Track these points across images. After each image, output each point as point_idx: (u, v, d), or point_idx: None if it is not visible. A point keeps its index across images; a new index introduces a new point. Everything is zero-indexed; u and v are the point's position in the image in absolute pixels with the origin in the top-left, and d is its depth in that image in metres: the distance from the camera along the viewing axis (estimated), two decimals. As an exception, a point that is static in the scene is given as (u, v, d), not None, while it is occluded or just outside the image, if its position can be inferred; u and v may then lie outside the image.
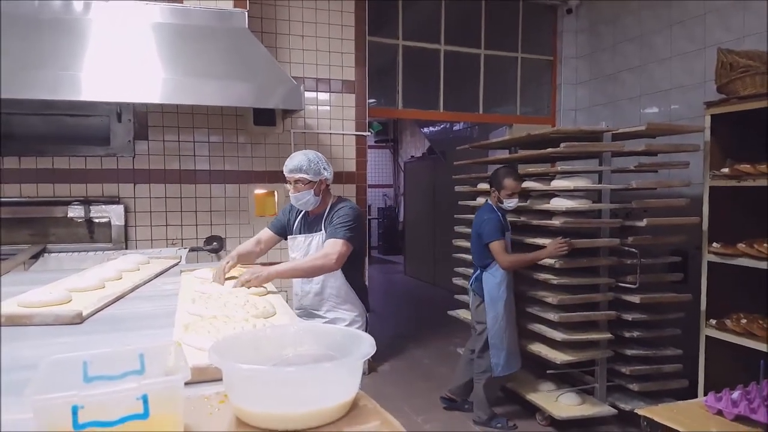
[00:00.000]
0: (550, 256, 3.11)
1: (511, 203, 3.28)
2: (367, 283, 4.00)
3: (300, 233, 2.57)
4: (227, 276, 2.21)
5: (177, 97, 3.15)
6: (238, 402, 0.88)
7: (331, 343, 1.02)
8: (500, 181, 3.26)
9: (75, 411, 0.75)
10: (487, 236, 3.20)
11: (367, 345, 0.93)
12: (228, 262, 2.28)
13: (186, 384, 1.06)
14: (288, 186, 2.48)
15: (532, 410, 3.42)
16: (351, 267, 2.46)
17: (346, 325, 2.48)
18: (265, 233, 2.68)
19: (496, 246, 3.17)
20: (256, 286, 2.03)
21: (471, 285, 3.43)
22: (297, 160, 2.43)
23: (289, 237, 2.62)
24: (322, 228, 2.48)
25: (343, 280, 2.49)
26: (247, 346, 1.02)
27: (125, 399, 0.77)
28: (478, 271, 3.34)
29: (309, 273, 2.37)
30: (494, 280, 3.24)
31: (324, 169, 2.46)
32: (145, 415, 0.77)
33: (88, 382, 0.92)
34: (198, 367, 1.08)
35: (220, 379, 1.03)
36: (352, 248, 2.37)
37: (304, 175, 2.40)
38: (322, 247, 2.43)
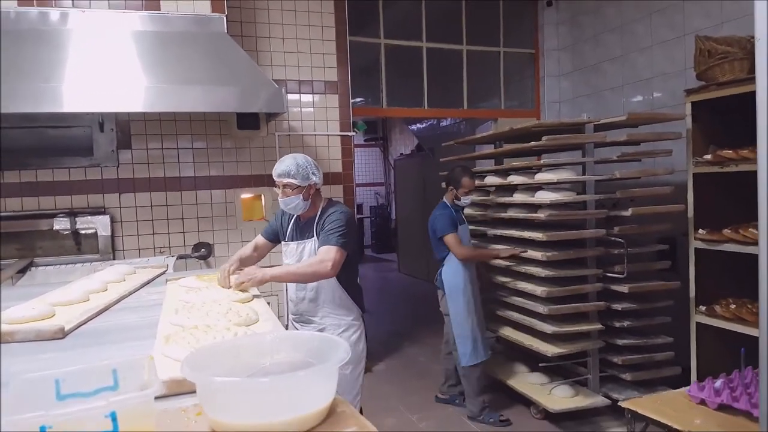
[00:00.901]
0: (503, 257, 3.38)
1: (467, 200, 3.49)
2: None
3: (293, 239, 2.55)
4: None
5: (159, 104, 3.12)
6: (213, 414, 0.88)
7: (309, 350, 1.02)
8: (457, 180, 3.46)
9: (43, 431, 0.75)
10: (441, 230, 3.41)
11: (342, 351, 0.93)
12: (231, 266, 2.27)
13: (164, 396, 1.07)
14: (276, 190, 2.46)
15: (525, 403, 3.43)
16: (344, 271, 2.44)
17: (343, 330, 2.49)
18: (260, 240, 2.67)
19: (450, 239, 3.36)
20: (251, 287, 2.05)
21: (435, 280, 3.60)
22: (285, 165, 2.40)
23: (282, 243, 2.60)
24: (314, 234, 2.46)
25: (336, 285, 2.47)
26: (224, 356, 1.01)
27: (94, 417, 0.76)
28: (441, 266, 3.52)
29: (305, 279, 2.36)
30: (451, 271, 3.42)
31: (313, 173, 2.43)
32: (114, 432, 0.77)
33: (60, 400, 0.91)
34: (175, 380, 1.08)
35: (197, 391, 1.03)
36: (347, 253, 2.36)
37: (292, 180, 2.38)
38: (314, 253, 2.41)
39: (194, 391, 1.08)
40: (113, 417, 0.76)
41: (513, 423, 3.30)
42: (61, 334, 1.61)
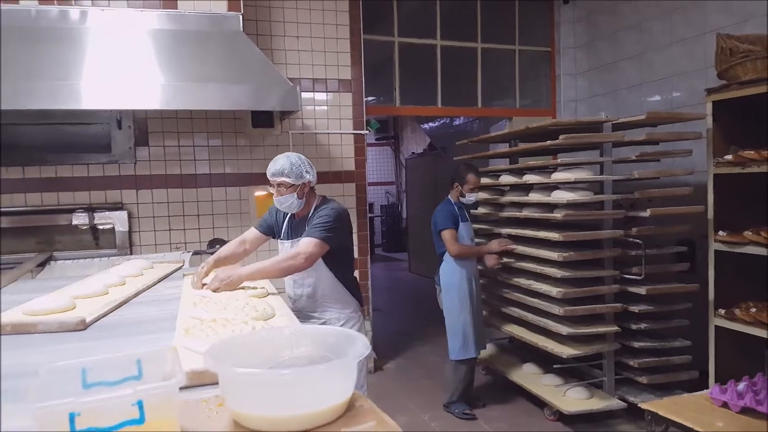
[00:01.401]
0: (493, 252, 3.51)
1: (472, 197, 3.53)
2: (369, 279, 4.02)
3: (287, 237, 2.57)
4: (203, 281, 2.20)
5: (176, 102, 3.15)
6: (234, 405, 0.88)
7: (327, 345, 1.02)
8: (462, 176, 3.49)
9: (72, 418, 0.76)
10: (440, 224, 3.47)
11: (361, 345, 0.93)
12: (203, 267, 2.28)
13: (185, 388, 1.08)
14: (271, 189, 2.47)
15: (539, 405, 3.41)
16: (339, 264, 2.47)
17: (343, 323, 2.52)
18: (251, 233, 2.65)
19: (446, 234, 3.42)
20: (226, 290, 2.03)
21: (435, 276, 3.67)
22: (279, 164, 2.41)
23: (279, 241, 2.61)
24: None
25: (333, 279, 2.49)
26: (243, 349, 1.02)
27: (121, 405, 0.78)
28: (440, 262, 3.59)
29: (277, 273, 2.33)
30: (448, 268, 3.48)
31: (306, 172, 2.44)
32: (140, 420, 0.78)
33: (86, 388, 0.93)
34: (196, 371, 1.09)
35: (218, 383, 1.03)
36: (329, 247, 2.36)
37: (286, 179, 2.39)
38: None
39: (214, 383, 1.09)
40: (140, 405, 0.77)
41: (527, 425, 3.28)
42: (83, 326, 1.63)
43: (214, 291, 2.04)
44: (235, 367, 0.87)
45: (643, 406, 1.66)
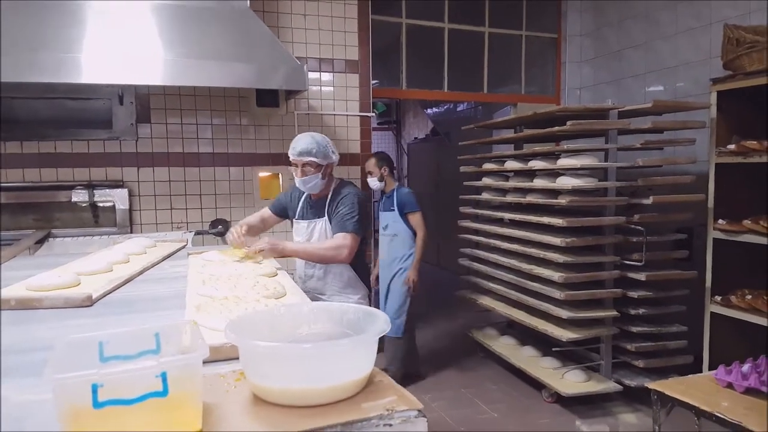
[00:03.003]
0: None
1: (372, 182, 3.81)
2: (371, 263, 4.04)
3: (304, 217, 2.56)
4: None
5: (179, 78, 3.11)
6: (255, 379, 0.89)
7: (345, 321, 1.03)
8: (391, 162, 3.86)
9: (95, 389, 0.76)
10: (412, 206, 3.76)
11: (382, 321, 0.94)
12: (242, 226, 2.33)
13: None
14: (293, 169, 2.44)
15: (537, 387, 3.45)
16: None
17: None
18: (267, 212, 2.69)
19: (419, 216, 3.79)
20: (268, 256, 2.13)
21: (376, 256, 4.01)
22: (305, 143, 2.38)
23: (294, 221, 2.61)
24: (326, 214, 2.47)
25: (345, 265, 2.50)
26: (261, 324, 1.02)
27: (144, 377, 0.77)
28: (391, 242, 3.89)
29: (320, 260, 2.41)
30: (407, 250, 3.84)
31: (332, 152, 2.44)
32: (164, 392, 0.78)
33: (104, 361, 0.92)
34: (212, 347, 1.09)
35: (235, 358, 1.04)
36: (360, 238, 2.40)
37: (314, 159, 2.37)
38: (325, 233, 2.44)
39: (230, 359, 1.09)
40: (164, 377, 0.77)
41: (525, 407, 3.32)
42: (89, 302, 1.63)
43: (259, 251, 2.13)
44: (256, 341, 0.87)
45: (650, 386, 1.69)
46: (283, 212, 2.66)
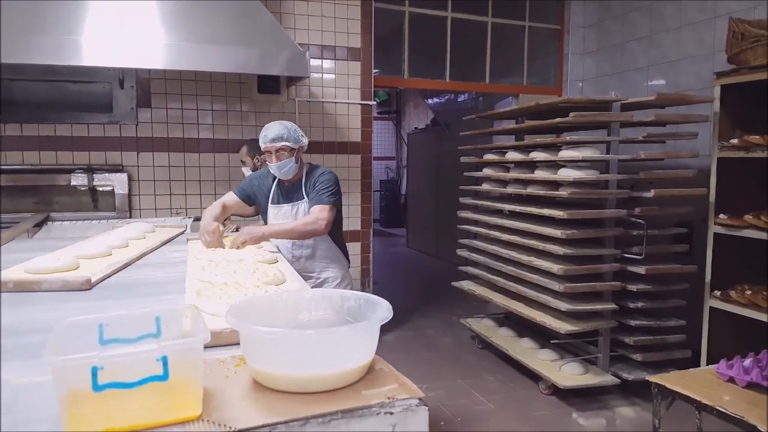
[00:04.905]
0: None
1: (245, 171, 3.52)
2: (371, 253, 4.03)
3: (279, 202, 2.64)
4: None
5: (180, 62, 3.09)
6: (256, 364, 0.88)
7: (346, 308, 1.02)
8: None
9: (95, 372, 0.75)
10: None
11: (384, 309, 0.93)
12: (218, 228, 2.33)
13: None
14: (267, 156, 2.54)
15: (534, 379, 3.46)
16: (334, 226, 2.58)
17: (339, 282, 2.69)
18: (230, 197, 2.72)
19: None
20: (251, 244, 2.19)
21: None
22: (276, 130, 2.49)
23: (271, 206, 2.66)
24: (304, 195, 2.57)
25: (330, 241, 2.65)
26: (262, 310, 1.02)
27: (145, 360, 0.77)
28: None
29: (300, 236, 2.48)
30: None
31: (302, 136, 2.57)
32: (164, 376, 0.77)
33: (103, 344, 0.92)
34: (213, 332, 1.07)
35: (235, 344, 1.03)
36: (336, 210, 2.52)
37: (287, 143, 2.48)
38: (308, 213, 2.52)
39: (230, 344, 1.09)
40: (164, 361, 0.76)
41: (522, 398, 3.33)
42: (88, 286, 1.62)
43: (242, 244, 2.18)
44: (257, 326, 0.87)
45: (651, 378, 1.69)
46: (248, 199, 2.73)
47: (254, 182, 2.73)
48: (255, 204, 2.77)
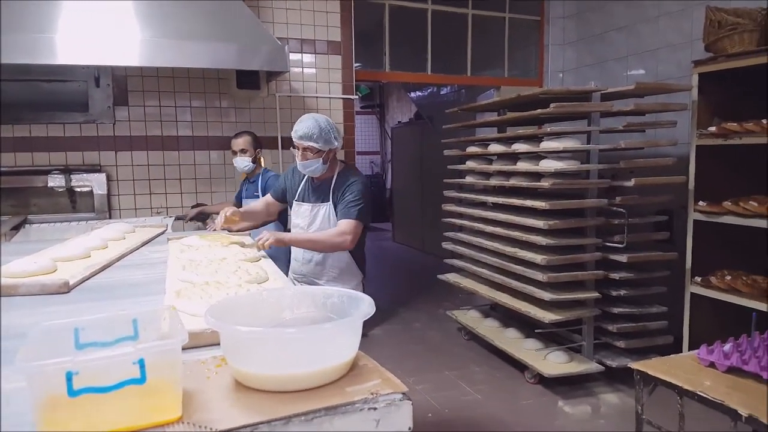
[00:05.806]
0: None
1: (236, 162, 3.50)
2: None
3: (305, 200, 2.55)
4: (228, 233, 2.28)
5: (156, 59, 3.04)
6: (237, 365, 0.87)
7: (329, 305, 1.01)
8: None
9: (69, 377, 0.73)
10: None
11: (367, 305, 0.92)
12: (236, 211, 2.32)
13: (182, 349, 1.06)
14: (295, 151, 2.42)
15: (520, 368, 3.49)
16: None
17: None
18: (270, 199, 2.69)
19: None
20: (271, 245, 2.11)
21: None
22: (307, 127, 2.35)
23: (295, 202, 2.58)
24: (330, 199, 2.46)
25: (346, 252, 2.51)
26: (243, 309, 1.00)
27: (121, 364, 0.75)
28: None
29: (324, 248, 2.41)
30: None
31: (335, 137, 2.41)
32: (142, 379, 0.76)
33: (80, 348, 0.90)
34: (193, 333, 1.06)
35: (216, 344, 1.02)
36: (363, 226, 2.42)
37: (314, 144, 2.35)
38: (328, 219, 2.42)
39: (211, 345, 1.07)
40: (141, 364, 0.75)
41: (508, 388, 3.36)
42: (66, 289, 1.59)
43: (264, 242, 2.09)
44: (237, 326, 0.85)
45: (633, 366, 1.71)
46: (283, 196, 2.65)
47: (288, 176, 2.65)
48: (287, 201, 2.68)
